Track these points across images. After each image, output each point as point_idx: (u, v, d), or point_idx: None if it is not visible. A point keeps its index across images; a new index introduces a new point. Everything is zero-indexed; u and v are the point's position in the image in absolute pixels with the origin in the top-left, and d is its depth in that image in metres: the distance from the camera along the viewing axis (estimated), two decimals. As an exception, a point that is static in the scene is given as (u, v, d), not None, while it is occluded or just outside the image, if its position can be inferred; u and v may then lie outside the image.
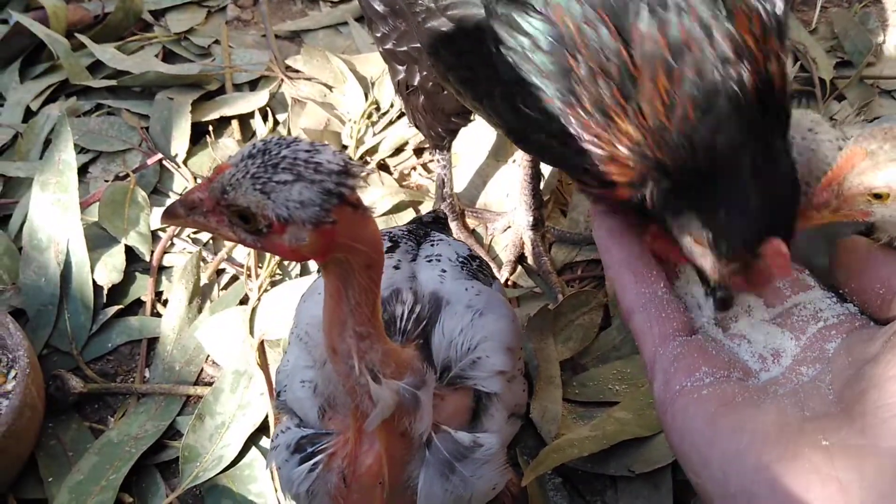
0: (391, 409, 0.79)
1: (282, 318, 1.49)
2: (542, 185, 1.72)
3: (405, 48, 1.24)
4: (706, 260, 0.79)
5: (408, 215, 1.75)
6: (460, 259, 1.08)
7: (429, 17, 1.02)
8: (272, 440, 0.94)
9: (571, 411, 1.45)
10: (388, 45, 1.29)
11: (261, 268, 1.60)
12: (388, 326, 0.91)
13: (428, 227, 1.24)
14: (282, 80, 1.98)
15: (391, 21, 1.22)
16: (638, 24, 0.74)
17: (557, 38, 0.79)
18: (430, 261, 1.06)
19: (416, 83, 1.36)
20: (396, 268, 1.02)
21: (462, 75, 1.04)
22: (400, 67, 1.37)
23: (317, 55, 2.00)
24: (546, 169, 1.75)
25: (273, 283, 1.58)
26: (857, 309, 0.77)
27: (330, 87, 1.97)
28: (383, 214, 1.72)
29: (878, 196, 0.71)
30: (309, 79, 2.00)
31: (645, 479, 1.32)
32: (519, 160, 1.67)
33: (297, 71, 2.02)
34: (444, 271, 1.03)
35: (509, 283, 1.65)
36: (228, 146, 1.83)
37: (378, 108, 1.91)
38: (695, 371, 0.74)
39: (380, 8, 1.22)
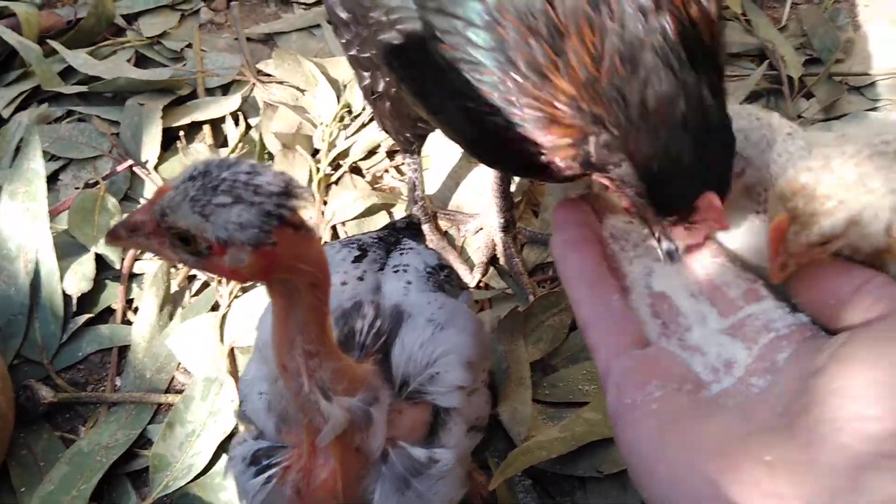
0: (343, 426, 0.79)
1: (252, 325, 1.47)
2: (513, 187, 1.73)
3: (367, 55, 1.25)
4: (647, 212, 0.81)
5: (381, 218, 1.76)
6: (428, 269, 1.08)
7: (380, 29, 1.02)
8: (230, 450, 0.95)
9: (542, 412, 1.46)
10: (353, 52, 1.29)
11: (232, 274, 1.60)
12: (346, 340, 0.92)
13: (400, 234, 1.25)
14: (253, 83, 1.98)
15: (353, 27, 1.23)
16: None
17: (486, 10, 0.81)
18: (396, 271, 1.06)
19: (380, 89, 1.36)
20: (361, 279, 1.03)
21: (415, 88, 1.04)
22: (365, 73, 1.37)
23: (288, 59, 2.00)
24: (517, 170, 1.76)
25: (244, 290, 1.59)
26: (808, 319, 0.77)
27: (302, 91, 1.97)
28: (356, 218, 1.72)
29: (825, 242, 0.71)
30: (281, 82, 2.00)
31: (613, 480, 1.33)
32: (489, 162, 1.68)
33: (269, 75, 2.02)
34: (409, 283, 1.03)
35: (481, 284, 1.66)
36: (200, 151, 1.83)
37: (350, 111, 1.91)
38: (646, 384, 0.73)
39: (343, 14, 1.22)
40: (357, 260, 1.07)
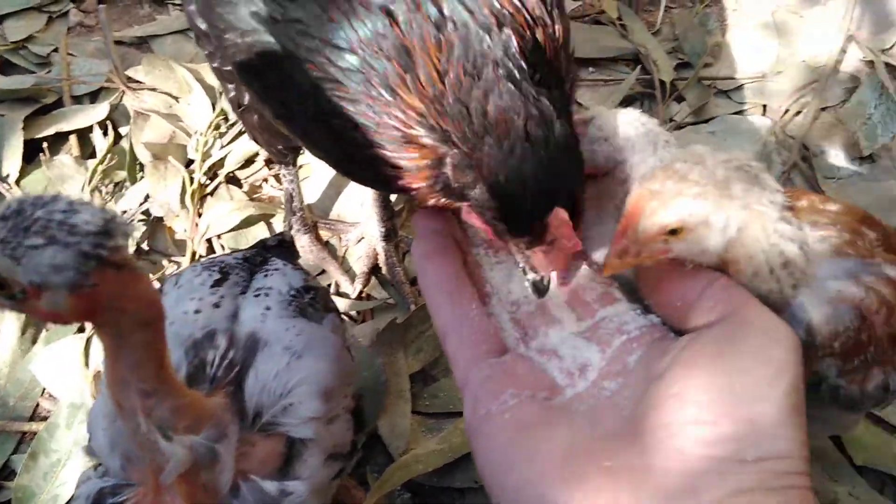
0: (186, 465, 0.77)
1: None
2: (394, 196, 1.72)
3: (229, 67, 1.21)
4: (507, 238, 0.80)
5: (259, 230, 1.72)
6: (291, 293, 1.05)
7: (237, 52, 0.99)
8: (76, 488, 0.91)
9: (422, 424, 1.46)
10: (216, 64, 1.25)
11: (100, 293, 1.54)
12: (196, 373, 0.89)
13: (269, 253, 1.21)
14: (123, 91, 1.90)
15: (214, 40, 1.19)
16: (398, 10, 0.79)
17: (347, 33, 0.82)
18: (258, 295, 1.03)
19: (246, 102, 1.32)
20: (217, 306, 1.00)
21: (277, 109, 1.02)
22: (230, 86, 1.33)
23: (160, 64, 1.92)
24: (397, 178, 1.75)
25: (113, 309, 1.52)
26: (659, 320, 0.79)
27: (176, 98, 1.90)
28: (232, 230, 1.68)
29: (673, 232, 0.72)
30: (153, 89, 1.92)
31: (491, 489, 1.34)
32: (368, 170, 1.66)
33: (139, 81, 1.94)
34: (268, 308, 1.01)
35: (363, 295, 1.65)
36: (65, 163, 1.74)
37: (227, 119, 1.85)
38: (500, 394, 0.74)
39: (202, 26, 1.18)
40: (217, 284, 1.04)
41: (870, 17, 2.10)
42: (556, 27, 0.83)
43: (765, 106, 1.94)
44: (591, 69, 2.05)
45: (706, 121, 1.90)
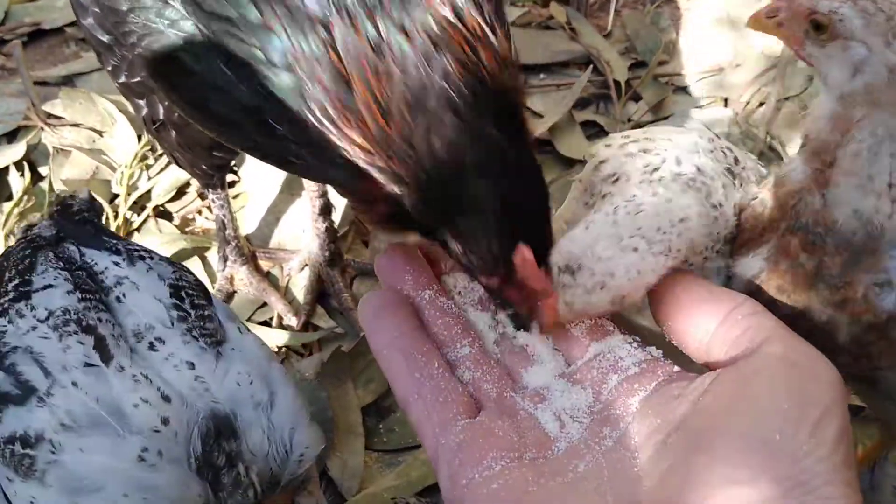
0: None
1: None
2: (337, 218, 1.60)
3: (138, 79, 1.10)
4: (480, 278, 0.74)
5: (193, 264, 1.59)
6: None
7: (151, 42, 0.88)
8: None
9: (378, 460, 1.33)
10: (122, 79, 1.14)
11: None
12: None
13: (43, 249, 1.00)
14: (41, 128, 1.78)
15: (118, 50, 1.07)
16: (335, 26, 0.72)
17: (284, 50, 0.75)
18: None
19: (161, 117, 1.21)
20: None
21: (194, 105, 0.90)
22: (140, 102, 1.22)
23: (80, 97, 1.80)
24: (339, 200, 1.63)
25: None
26: (660, 352, 0.70)
27: (99, 132, 1.78)
28: (161, 266, 1.55)
29: (818, 28, 0.70)
30: (76, 125, 1.80)
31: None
32: (307, 193, 1.54)
33: (59, 117, 1.82)
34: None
35: (308, 325, 1.51)
36: (-23, 209, 1.61)
37: (154, 150, 1.73)
38: (482, 459, 0.63)
39: (104, 38, 1.07)
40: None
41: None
42: (498, 40, 0.75)
43: (726, 99, 1.86)
44: (542, 75, 1.96)
45: (666, 117, 1.81)
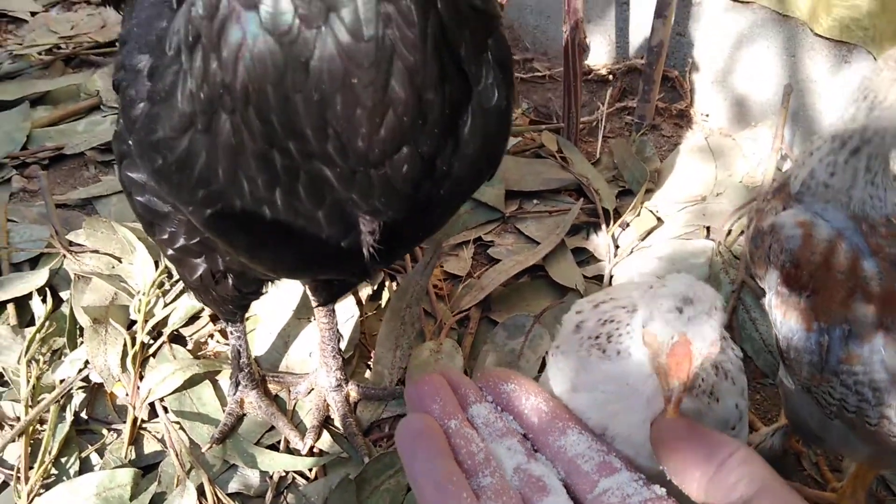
0: None
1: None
2: (344, 344, 1.68)
3: (198, 238, 1.14)
4: None
5: (204, 389, 1.65)
6: None
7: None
8: None
9: (387, 593, 1.36)
10: (179, 243, 1.16)
11: (32, 469, 1.45)
12: None
13: None
14: (64, 255, 1.87)
15: (175, 217, 1.12)
16: None
17: None
18: None
19: (222, 268, 1.24)
20: None
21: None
22: (196, 261, 1.23)
23: (102, 226, 1.90)
24: (346, 326, 1.71)
25: (46, 487, 1.43)
26: (664, 491, 0.73)
27: (119, 259, 1.88)
28: (175, 391, 1.61)
29: None
30: (96, 251, 1.90)
31: None
32: (316, 320, 1.62)
33: (81, 245, 1.92)
34: None
35: (315, 450, 1.57)
36: (2, 334, 1.68)
37: (170, 276, 1.82)
38: None
39: (163, 209, 1.11)
40: None
41: (800, 134, 2.17)
42: None
43: (708, 228, 1.95)
44: (535, 201, 2.07)
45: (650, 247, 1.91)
